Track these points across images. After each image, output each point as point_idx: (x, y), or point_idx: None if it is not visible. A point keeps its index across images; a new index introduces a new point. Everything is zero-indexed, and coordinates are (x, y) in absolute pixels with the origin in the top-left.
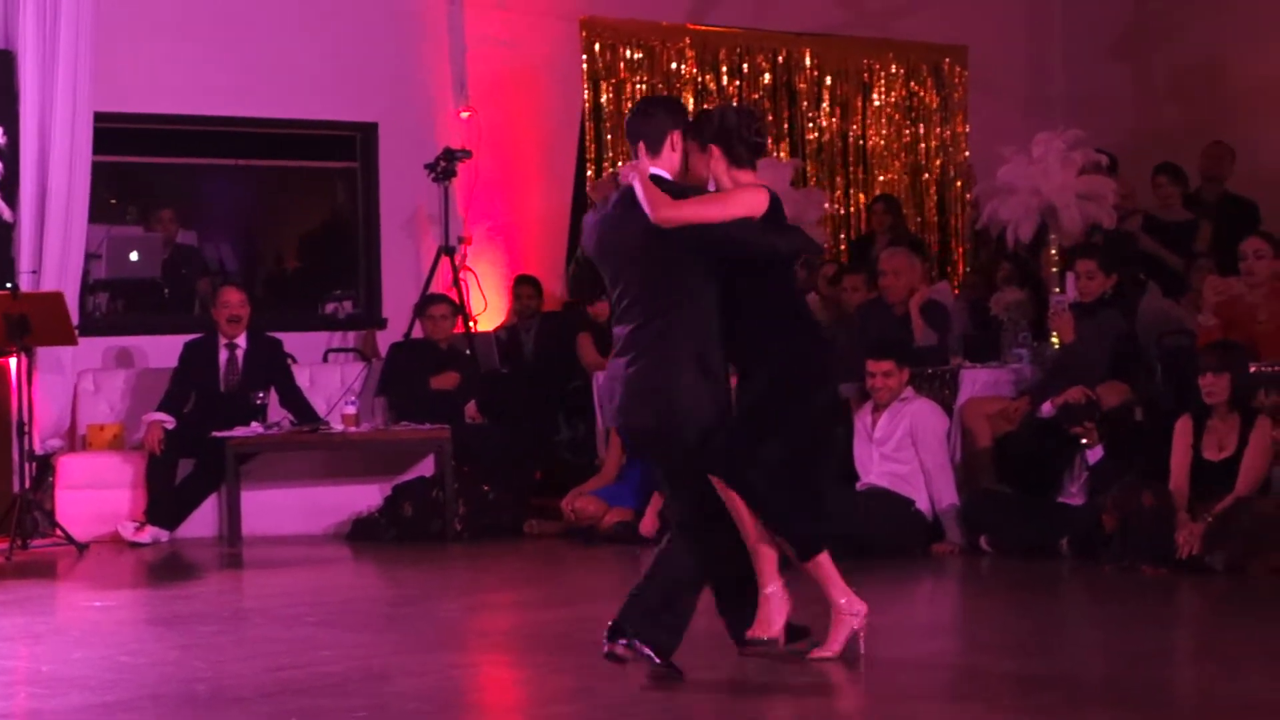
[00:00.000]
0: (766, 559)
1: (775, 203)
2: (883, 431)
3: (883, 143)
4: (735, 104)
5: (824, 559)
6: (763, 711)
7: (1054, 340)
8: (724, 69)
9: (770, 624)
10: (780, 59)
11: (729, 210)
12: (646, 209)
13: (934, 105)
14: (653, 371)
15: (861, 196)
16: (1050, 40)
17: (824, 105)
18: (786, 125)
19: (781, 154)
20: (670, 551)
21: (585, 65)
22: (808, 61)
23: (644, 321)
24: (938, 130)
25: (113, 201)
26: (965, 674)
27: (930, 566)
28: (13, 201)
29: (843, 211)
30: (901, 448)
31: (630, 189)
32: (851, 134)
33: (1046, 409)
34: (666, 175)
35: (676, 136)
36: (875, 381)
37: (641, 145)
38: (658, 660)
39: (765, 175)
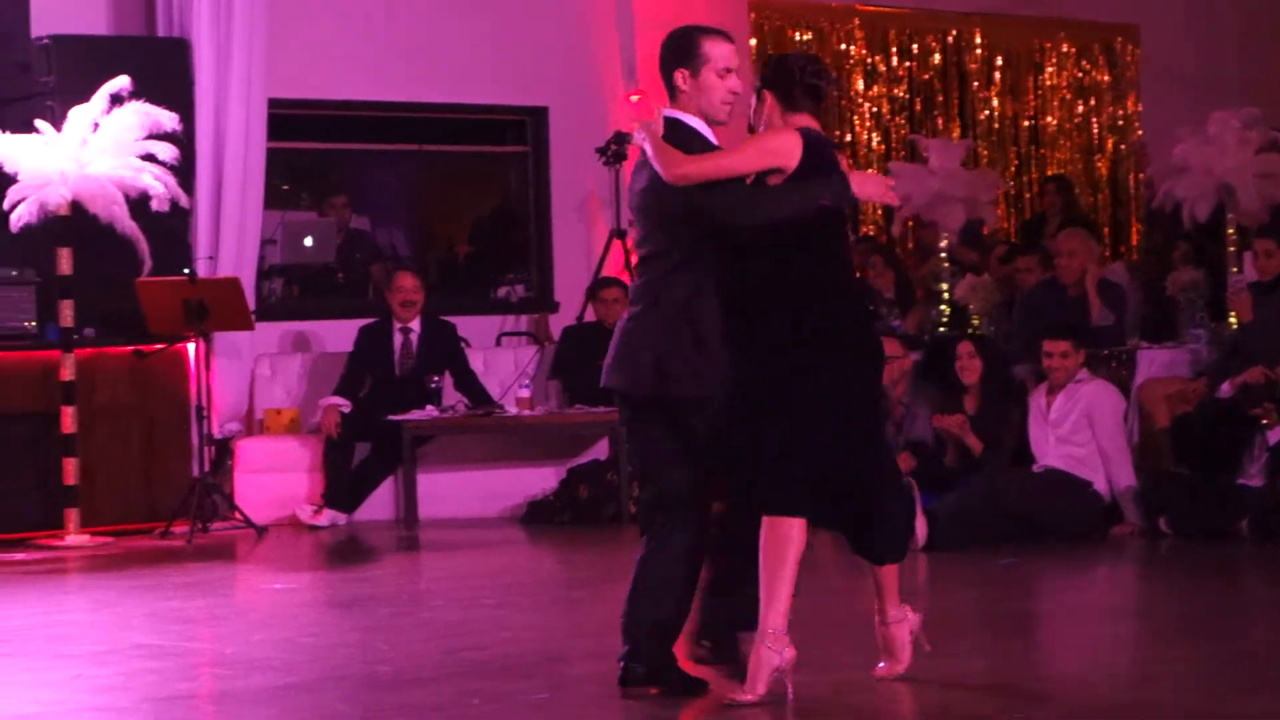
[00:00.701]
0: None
1: (813, 148)
2: (1058, 413)
3: (1054, 123)
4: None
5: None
6: (953, 698)
7: (1232, 320)
8: (893, 50)
9: (900, 657)
10: (950, 39)
11: (748, 161)
12: (660, 170)
13: (1106, 84)
14: (644, 333)
15: (1034, 177)
16: (1224, 17)
17: (995, 85)
18: (957, 106)
19: (953, 134)
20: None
21: (754, 47)
22: (978, 41)
23: (645, 280)
24: (1110, 110)
25: (285, 188)
26: (1144, 657)
27: (1109, 549)
28: (189, 188)
29: (1014, 192)
30: (1078, 429)
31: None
32: (1023, 114)
33: (1225, 389)
34: (688, 119)
35: (682, 75)
36: (1052, 361)
37: (667, 95)
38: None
39: (938, 156)
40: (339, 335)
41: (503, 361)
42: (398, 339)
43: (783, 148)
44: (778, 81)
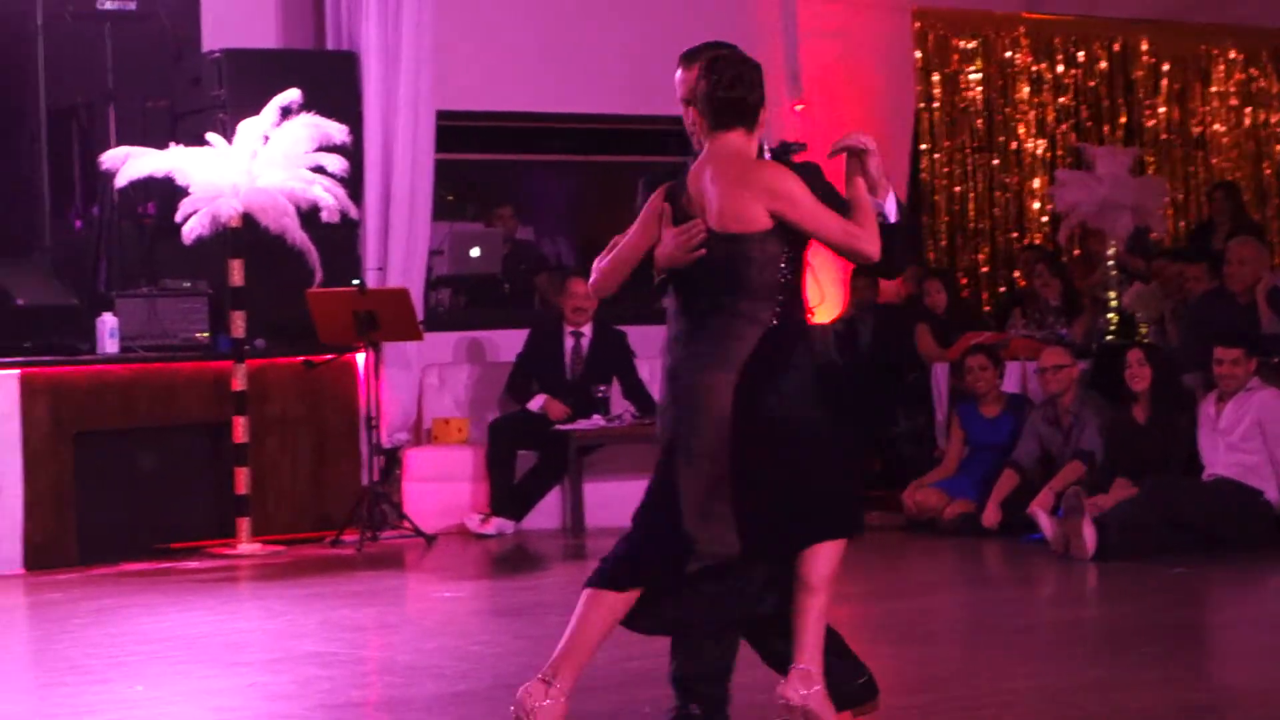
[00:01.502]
0: None
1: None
2: (1228, 421)
3: (1222, 130)
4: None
5: None
6: (1123, 706)
7: None
8: (1059, 58)
9: None
10: (1116, 47)
11: (640, 237)
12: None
13: (1274, 90)
14: None
15: (1200, 183)
16: None
17: (1161, 93)
18: (1123, 113)
19: (1119, 142)
20: None
21: (918, 60)
22: (1144, 48)
23: None
24: (1278, 116)
25: (450, 199)
26: None
27: None
28: (358, 200)
29: (1181, 199)
30: (1249, 437)
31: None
32: (1190, 121)
33: None
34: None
35: None
36: (1223, 369)
37: None
38: None
39: (1105, 164)
40: (506, 344)
41: None
42: (569, 343)
43: (654, 215)
44: (697, 97)
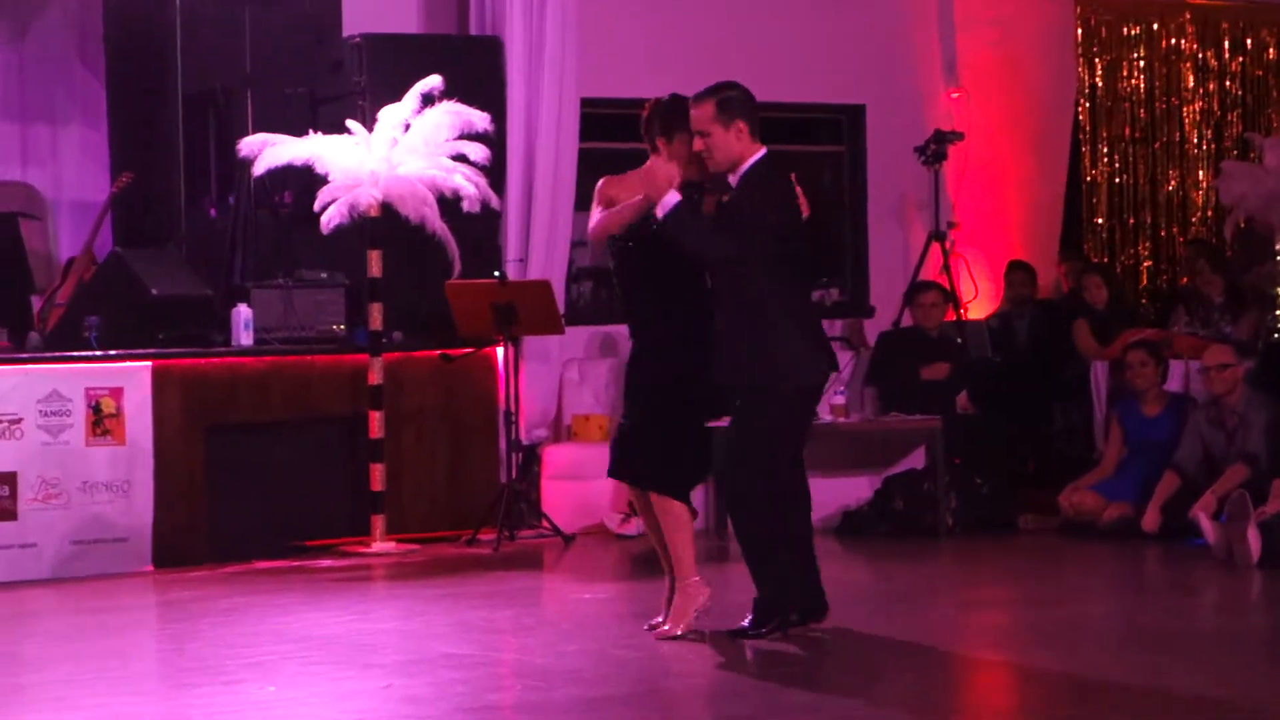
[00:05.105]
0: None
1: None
2: None
3: None
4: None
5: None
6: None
7: None
8: (1226, 44)
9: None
10: None
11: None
12: None
13: None
14: None
15: None
16: None
17: None
18: None
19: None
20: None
21: (1080, 43)
22: None
23: None
24: None
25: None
26: None
27: None
28: (500, 190)
29: None
30: None
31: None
32: None
33: None
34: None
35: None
36: None
37: None
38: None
39: (1274, 154)
40: None
41: None
42: None
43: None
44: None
